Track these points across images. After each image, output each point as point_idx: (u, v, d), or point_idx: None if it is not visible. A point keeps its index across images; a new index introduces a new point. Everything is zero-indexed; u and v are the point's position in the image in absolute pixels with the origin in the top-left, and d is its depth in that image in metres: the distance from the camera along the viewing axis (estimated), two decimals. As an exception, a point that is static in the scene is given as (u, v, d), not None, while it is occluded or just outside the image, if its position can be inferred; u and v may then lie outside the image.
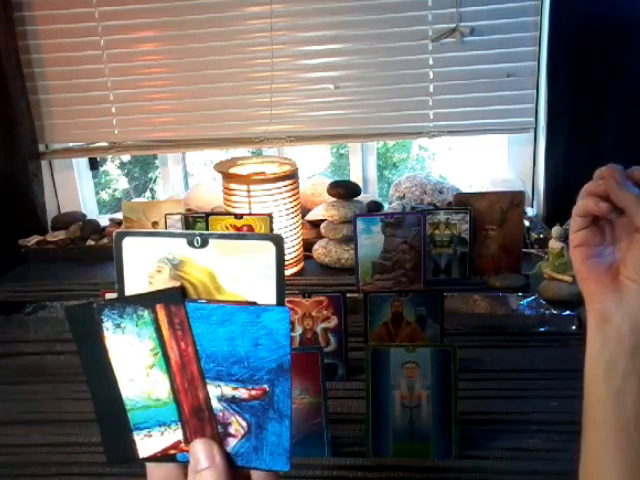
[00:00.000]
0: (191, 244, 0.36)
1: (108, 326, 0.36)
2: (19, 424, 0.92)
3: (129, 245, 0.36)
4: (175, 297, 0.35)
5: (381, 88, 1.49)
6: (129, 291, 0.36)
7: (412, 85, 1.48)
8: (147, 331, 0.35)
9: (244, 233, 0.36)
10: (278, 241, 0.35)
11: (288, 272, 1.31)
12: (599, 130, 1.35)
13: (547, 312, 1.08)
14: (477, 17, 1.41)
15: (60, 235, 1.56)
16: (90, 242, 1.54)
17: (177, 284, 0.36)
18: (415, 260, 1.19)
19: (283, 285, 0.36)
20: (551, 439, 0.80)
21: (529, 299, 1.12)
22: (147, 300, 0.35)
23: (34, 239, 1.55)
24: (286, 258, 1.29)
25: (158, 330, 0.35)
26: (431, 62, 1.46)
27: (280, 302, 0.35)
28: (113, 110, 1.58)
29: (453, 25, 1.42)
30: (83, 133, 1.61)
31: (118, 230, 0.36)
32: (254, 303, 0.35)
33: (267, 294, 0.35)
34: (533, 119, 1.46)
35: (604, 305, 0.50)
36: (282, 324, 0.35)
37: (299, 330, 0.95)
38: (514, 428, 0.83)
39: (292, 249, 1.33)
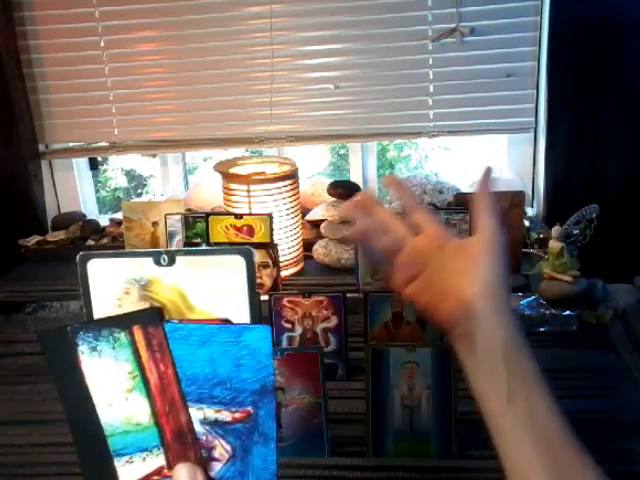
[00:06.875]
0: (158, 263, 0.35)
1: (83, 350, 0.34)
2: (19, 424, 0.92)
3: (95, 267, 0.35)
4: (153, 318, 0.34)
5: (381, 88, 1.49)
6: (98, 315, 0.35)
7: (412, 85, 1.48)
8: (124, 354, 0.34)
9: (212, 248, 0.36)
10: (248, 255, 0.34)
11: (288, 272, 1.31)
12: (599, 130, 1.35)
13: (547, 312, 1.08)
14: (477, 17, 1.41)
15: (60, 235, 1.56)
16: (90, 242, 1.54)
17: (147, 305, 0.35)
18: (415, 260, 1.19)
19: (256, 300, 0.35)
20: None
21: (529, 299, 1.12)
22: (123, 321, 0.34)
23: (34, 239, 1.55)
24: (286, 258, 1.29)
25: (136, 352, 0.34)
26: (431, 62, 1.46)
27: (255, 318, 0.34)
28: (113, 110, 1.58)
29: (453, 25, 1.42)
30: (83, 133, 1.61)
31: (82, 253, 0.35)
32: (228, 320, 0.34)
33: (240, 310, 0.35)
34: (533, 119, 1.46)
35: (461, 329, 0.49)
36: (264, 343, 0.33)
37: (299, 330, 0.95)
38: (514, 428, 0.83)
39: (292, 249, 1.32)
